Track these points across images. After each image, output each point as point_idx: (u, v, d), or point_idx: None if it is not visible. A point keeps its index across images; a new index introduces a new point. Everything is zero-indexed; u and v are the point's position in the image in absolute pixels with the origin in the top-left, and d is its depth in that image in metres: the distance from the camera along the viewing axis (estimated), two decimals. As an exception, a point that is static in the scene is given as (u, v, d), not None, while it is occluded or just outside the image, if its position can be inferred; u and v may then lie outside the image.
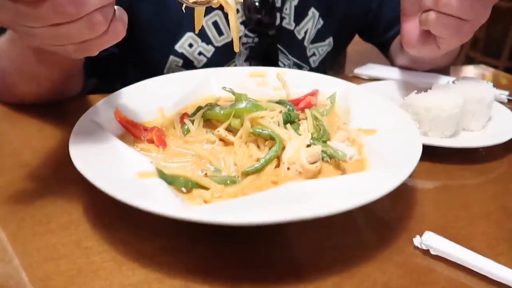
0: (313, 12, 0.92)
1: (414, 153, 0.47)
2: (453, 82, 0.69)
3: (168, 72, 0.86)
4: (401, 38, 0.76)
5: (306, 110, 0.62)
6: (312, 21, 0.93)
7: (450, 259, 0.42)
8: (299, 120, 0.60)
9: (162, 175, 0.45)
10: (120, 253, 0.42)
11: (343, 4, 0.97)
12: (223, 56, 0.88)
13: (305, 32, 0.93)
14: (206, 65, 0.87)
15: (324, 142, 0.54)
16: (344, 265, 0.42)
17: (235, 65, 0.90)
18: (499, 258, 0.43)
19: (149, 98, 0.64)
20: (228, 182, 0.47)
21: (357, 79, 0.93)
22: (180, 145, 0.55)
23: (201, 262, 0.42)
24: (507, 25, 3.48)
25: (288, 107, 0.63)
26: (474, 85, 0.67)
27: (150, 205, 0.36)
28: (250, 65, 0.90)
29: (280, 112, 0.56)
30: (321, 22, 0.94)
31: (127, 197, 0.38)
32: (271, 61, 0.91)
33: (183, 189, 0.46)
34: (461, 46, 0.78)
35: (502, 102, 0.80)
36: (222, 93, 0.69)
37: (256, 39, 0.89)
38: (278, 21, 0.89)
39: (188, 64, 0.88)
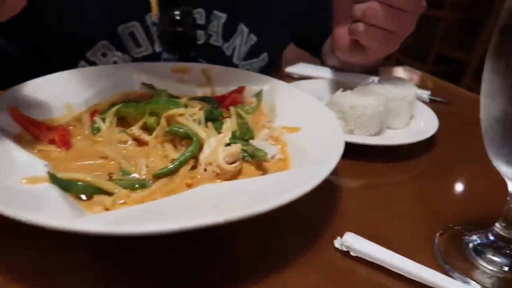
0: (241, 28, 0.89)
1: (336, 151, 0.46)
2: (378, 81, 0.70)
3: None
4: (332, 43, 0.76)
5: (231, 108, 0.59)
6: (241, 37, 0.90)
7: (369, 259, 0.41)
8: (223, 118, 0.57)
9: (55, 180, 0.39)
10: (9, 271, 0.36)
11: (275, 19, 0.94)
12: None
13: (234, 49, 0.90)
14: None
15: (246, 141, 0.51)
16: (264, 272, 0.39)
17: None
18: (418, 256, 0.42)
19: (56, 93, 0.57)
20: (137, 186, 0.42)
21: (288, 78, 0.91)
22: (87, 146, 0.49)
23: (108, 279, 0.37)
24: (433, 32, 3.72)
25: (212, 104, 0.60)
26: (397, 84, 0.68)
27: (29, 216, 0.31)
28: None
29: (201, 109, 0.53)
30: (254, 38, 0.92)
31: (3, 207, 0.32)
32: None
33: (83, 196, 0.40)
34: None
35: (424, 102, 0.82)
36: (142, 90, 0.64)
37: (176, 59, 0.83)
38: (203, 40, 0.85)
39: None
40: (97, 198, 0.40)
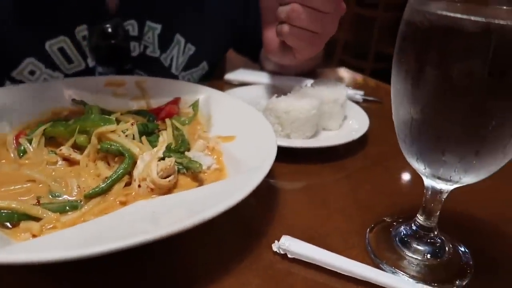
0: (178, 38, 0.89)
1: (269, 157, 0.47)
2: (311, 85, 0.73)
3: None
4: (263, 46, 0.78)
5: (166, 120, 0.58)
6: (178, 47, 0.90)
7: (306, 260, 0.42)
8: (159, 131, 0.57)
9: (-26, 210, 0.37)
10: None
11: (212, 28, 0.95)
12: None
13: (171, 59, 0.89)
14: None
15: (182, 153, 0.51)
16: (205, 282, 0.40)
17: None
18: (352, 251, 0.44)
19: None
20: (67, 208, 0.41)
21: (228, 85, 0.92)
22: (13, 170, 0.47)
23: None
24: (370, 31, 3.91)
25: (147, 117, 0.60)
26: (329, 87, 0.71)
27: None
28: None
29: (133, 123, 0.52)
30: (192, 48, 0.92)
31: None
32: None
33: (8, 224, 0.39)
34: (333, 51, 0.85)
35: (358, 102, 0.86)
36: (73, 106, 0.62)
37: (112, 72, 0.81)
38: (138, 51, 0.84)
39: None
40: (24, 224, 0.38)
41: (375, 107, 0.88)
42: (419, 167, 0.38)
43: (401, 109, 0.36)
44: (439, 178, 0.38)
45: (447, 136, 0.34)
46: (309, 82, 0.77)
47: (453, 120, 0.33)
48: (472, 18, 0.31)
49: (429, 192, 0.42)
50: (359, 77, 1.15)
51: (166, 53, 0.88)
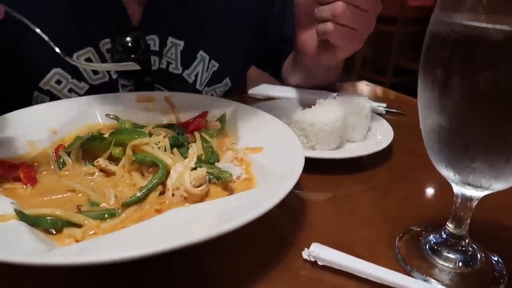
0: (202, 55, 0.91)
1: (297, 167, 0.48)
2: (334, 98, 0.74)
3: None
4: (298, 50, 0.81)
5: (195, 133, 0.60)
6: (202, 64, 0.92)
7: (335, 267, 0.43)
8: (188, 143, 0.59)
9: (23, 217, 0.39)
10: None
11: (235, 46, 0.97)
12: None
13: (196, 76, 0.91)
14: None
15: (212, 164, 0.53)
16: (235, 289, 0.41)
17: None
18: (380, 260, 0.45)
19: (18, 131, 0.58)
20: (106, 216, 0.43)
21: (252, 99, 0.95)
22: (53, 181, 0.50)
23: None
24: (389, 46, 3.91)
25: (177, 130, 0.62)
26: (353, 99, 0.72)
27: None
28: None
29: (165, 136, 0.54)
30: (216, 64, 0.94)
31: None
32: None
33: (53, 230, 0.41)
34: (353, 66, 0.88)
35: (381, 114, 0.87)
36: (106, 121, 0.65)
37: (132, 86, 0.83)
38: (158, 65, 0.86)
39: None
40: (67, 231, 0.40)
41: (398, 119, 0.89)
42: (449, 174, 0.39)
43: (428, 118, 0.37)
44: (469, 184, 0.38)
45: (475, 143, 0.35)
46: (332, 95, 0.78)
47: (481, 128, 0.34)
48: (497, 27, 0.32)
49: (459, 200, 0.42)
50: (379, 89, 1.16)
51: (189, 69, 0.91)
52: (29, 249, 0.34)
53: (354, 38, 0.69)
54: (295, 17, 0.78)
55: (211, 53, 0.92)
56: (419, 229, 0.49)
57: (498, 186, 0.37)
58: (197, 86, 0.93)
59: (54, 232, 0.41)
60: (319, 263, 0.43)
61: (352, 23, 0.66)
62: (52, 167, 0.52)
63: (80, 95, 0.81)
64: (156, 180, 0.47)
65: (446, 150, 0.36)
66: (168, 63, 0.88)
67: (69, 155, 0.53)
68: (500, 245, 0.47)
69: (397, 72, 3.93)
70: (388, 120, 0.78)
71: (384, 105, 0.92)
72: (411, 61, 3.84)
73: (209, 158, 0.54)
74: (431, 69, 0.35)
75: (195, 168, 0.49)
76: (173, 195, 0.46)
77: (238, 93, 1.05)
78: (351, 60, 4.03)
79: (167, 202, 0.46)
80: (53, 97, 0.80)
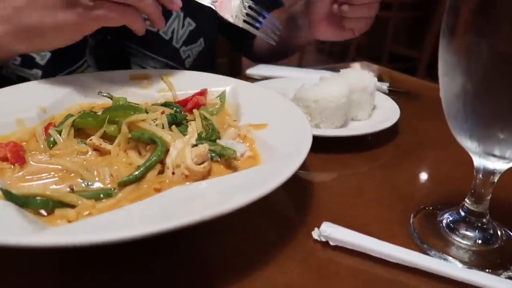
0: (177, 12, 0.89)
1: (304, 143, 0.45)
2: (338, 74, 0.71)
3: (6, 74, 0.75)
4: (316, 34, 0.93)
5: (194, 110, 0.57)
6: (178, 20, 0.90)
7: (348, 247, 0.40)
8: (187, 121, 0.55)
9: (10, 197, 0.36)
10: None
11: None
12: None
13: (172, 32, 0.90)
14: (49, 62, 0.77)
15: (213, 141, 0.50)
16: (245, 270, 0.38)
17: (87, 66, 0.81)
18: (393, 239, 0.42)
19: (6, 108, 0.54)
20: (102, 196, 0.40)
21: (250, 79, 0.91)
22: (44, 160, 0.46)
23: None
24: (384, 32, 3.87)
25: (175, 108, 0.58)
26: (357, 75, 0.69)
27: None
28: (101, 66, 0.82)
29: (163, 113, 0.51)
30: (193, 24, 0.93)
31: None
32: (123, 64, 0.85)
33: (43, 212, 0.38)
34: (347, 53, 0.96)
35: (384, 93, 0.84)
36: (99, 100, 0.62)
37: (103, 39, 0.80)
38: None
39: (27, 62, 0.77)
40: (59, 212, 0.37)
41: (402, 97, 0.86)
42: (472, 145, 0.36)
43: (452, 83, 0.34)
44: (494, 156, 0.35)
45: (505, 110, 0.32)
46: (335, 74, 0.75)
47: None
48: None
49: (480, 174, 0.39)
50: (381, 69, 1.13)
51: (165, 26, 0.88)
52: (16, 230, 0.31)
53: (366, 19, 0.83)
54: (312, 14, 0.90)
55: (186, 10, 0.89)
56: (432, 207, 0.47)
57: (525, 156, 0.34)
58: (174, 43, 0.91)
59: (45, 214, 0.37)
60: (331, 243, 0.41)
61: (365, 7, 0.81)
62: (42, 146, 0.49)
63: (50, 52, 0.77)
64: (154, 158, 0.43)
65: (472, 119, 0.34)
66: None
67: (60, 134, 0.50)
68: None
69: (392, 58, 3.89)
70: (392, 99, 0.75)
71: (387, 84, 0.89)
72: (406, 47, 3.80)
73: (210, 136, 0.51)
74: (458, 32, 0.32)
75: (196, 145, 0.46)
76: (173, 173, 0.43)
77: (234, 75, 1.02)
78: (346, 46, 3.99)
79: (167, 181, 0.43)
80: (23, 57, 0.76)
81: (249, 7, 0.68)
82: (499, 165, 0.37)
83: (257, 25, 0.68)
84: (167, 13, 0.86)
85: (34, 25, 0.57)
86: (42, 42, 0.59)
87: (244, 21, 0.67)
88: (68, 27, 0.56)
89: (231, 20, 0.66)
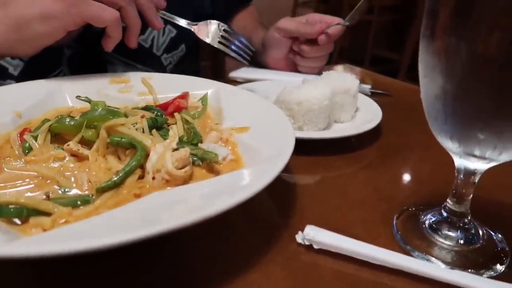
0: None
1: (287, 146, 0.45)
2: (321, 77, 0.71)
3: None
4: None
5: (176, 114, 0.56)
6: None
7: (332, 250, 0.40)
8: (168, 125, 0.54)
9: (-20, 205, 0.34)
10: None
11: (188, 11, 0.95)
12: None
13: (152, 40, 0.89)
14: (23, 73, 0.76)
15: (195, 145, 0.49)
16: (228, 274, 0.37)
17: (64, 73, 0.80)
18: (377, 241, 0.42)
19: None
20: (79, 203, 0.39)
21: (233, 82, 0.91)
22: (18, 167, 0.45)
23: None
24: (365, 36, 3.92)
25: (155, 112, 0.57)
26: (340, 78, 0.69)
27: None
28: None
29: (143, 117, 0.50)
30: (174, 31, 0.92)
31: None
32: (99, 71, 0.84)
33: (17, 220, 0.36)
34: (330, 57, 1.01)
35: (366, 95, 0.85)
36: (77, 104, 0.60)
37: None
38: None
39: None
40: (34, 220, 0.36)
41: (384, 99, 0.87)
42: (452, 146, 0.36)
43: (432, 84, 0.34)
44: (474, 156, 0.36)
45: (484, 111, 0.32)
46: (316, 77, 0.75)
47: (493, 94, 0.31)
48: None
49: (461, 175, 0.40)
50: (362, 72, 1.14)
51: (145, 35, 0.88)
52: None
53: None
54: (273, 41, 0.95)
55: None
56: (415, 208, 0.47)
57: (505, 157, 0.35)
58: (154, 50, 0.90)
59: (19, 223, 0.36)
60: (315, 246, 0.41)
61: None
62: (17, 152, 0.47)
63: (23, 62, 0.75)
64: (134, 163, 0.42)
65: (452, 119, 0.34)
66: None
67: (36, 140, 0.48)
68: (502, 222, 0.45)
69: (374, 61, 3.94)
70: (375, 101, 0.75)
71: (369, 86, 0.89)
72: (388, 50, 3.86)
73: (191, 139, 0.50)
74: (436, 34, 0.32)
75: (177, 149, 0.45)
76: (153, 178, 0.42)
77: (217, 77, 1.01)
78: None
79: (147, 186, 0.42)
80: None
81: (224, 30, 0.73)
82: (480, 166, 0.37)
83: (232, 46, 0.74)
84: (144, 22, 0.85)
85: (22, 12, 0.57)
86: (29, 32, 0.58)
87: (219, 42, 0.73)
88: (53, 17, 0.57)
89: (207, 41, 0.72)
